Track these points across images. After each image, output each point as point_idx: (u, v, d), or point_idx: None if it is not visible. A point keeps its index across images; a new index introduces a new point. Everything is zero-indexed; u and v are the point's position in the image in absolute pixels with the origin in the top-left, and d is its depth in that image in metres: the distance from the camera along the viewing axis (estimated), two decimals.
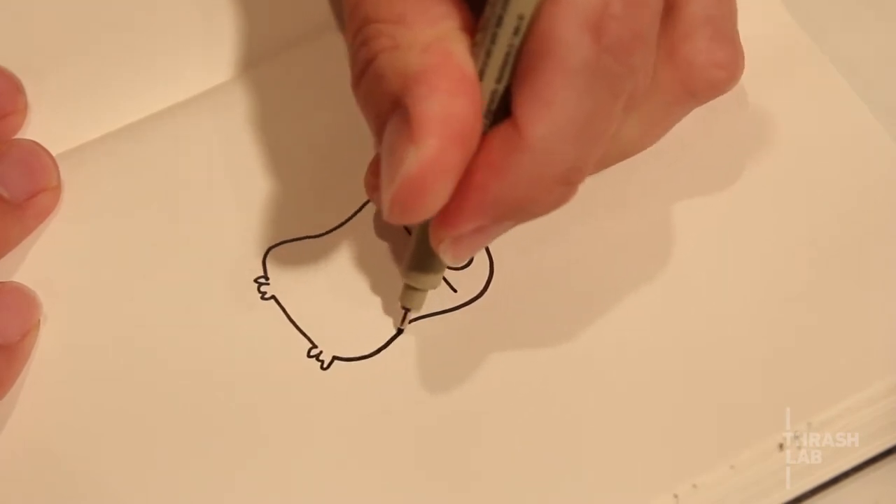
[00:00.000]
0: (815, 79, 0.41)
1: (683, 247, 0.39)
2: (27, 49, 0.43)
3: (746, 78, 0.38)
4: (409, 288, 0.38)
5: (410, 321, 0.38)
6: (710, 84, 0.37)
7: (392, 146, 0.32)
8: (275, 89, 0.42)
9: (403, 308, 0.38)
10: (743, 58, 0.38)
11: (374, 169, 0.37)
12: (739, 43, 0.38)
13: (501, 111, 0.33)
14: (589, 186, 0.39)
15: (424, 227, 0.36)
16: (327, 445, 0.37)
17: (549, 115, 0.32)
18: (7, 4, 0.43)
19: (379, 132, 0.33)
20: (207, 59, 0.43)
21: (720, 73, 0.37)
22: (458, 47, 0.32)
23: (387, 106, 0.33)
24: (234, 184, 0.40)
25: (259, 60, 0.43)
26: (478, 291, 0.39)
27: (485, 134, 0.33)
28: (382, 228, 0.40)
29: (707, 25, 0.37)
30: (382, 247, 0.39)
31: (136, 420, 0.37)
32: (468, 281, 0.39)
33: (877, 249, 0.39)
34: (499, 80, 0.33)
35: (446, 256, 0.34)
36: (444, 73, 0.32)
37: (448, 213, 0.33)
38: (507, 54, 0.32)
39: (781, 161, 0.40)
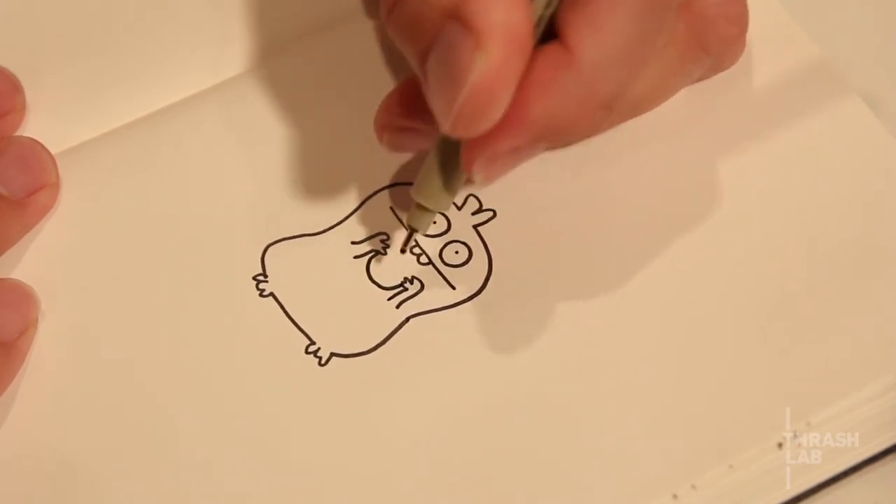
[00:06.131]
0: (814, 76, 0.41)
1: (682, 246, 0.39)
2: (26, 48, 0.43)
3: (745, 76, 0.39)
4: (418, 207, 0.37)
5: (408, 319, 0.38)
6: (721, 39, 0.38)
7: (451, 58, 0.32)
8: (273, 88, 0.42)
9: (409, 229, 0.38)
10: (748, 18, 0.39)
11: (388, 106, 0.37)
12: (746, 1, 0.38)
13: (545, 37, 0.33)
14: (588, 183, 0.39)
15: (443, 142, 0.36)
16: (325, 441, 0.37)
17: (601, 38, 0.33)
18: (6, 3, 0.43)
19: (422, 54, 0.33)
20: (205, 57, 0.43)
21: (731, 28, 0.38)
22: None
23: (434, 24, 0.33)
24: (232, 181, 0.40)
25: (258, 59, 0.43)
26: (476, 289, 0.39)
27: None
28: (381, 221, 0.40)
29: None
30: (380, 244, 0.40)
31: (134, 417, 0.37)
32: (467, 278, 0.39)
33: (875, 247, 0.39)
34: (547, 6, 0.33)
35: (478, 177, 0.35)
36: None
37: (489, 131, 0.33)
38: None
39: (780, 159, 0.40)
